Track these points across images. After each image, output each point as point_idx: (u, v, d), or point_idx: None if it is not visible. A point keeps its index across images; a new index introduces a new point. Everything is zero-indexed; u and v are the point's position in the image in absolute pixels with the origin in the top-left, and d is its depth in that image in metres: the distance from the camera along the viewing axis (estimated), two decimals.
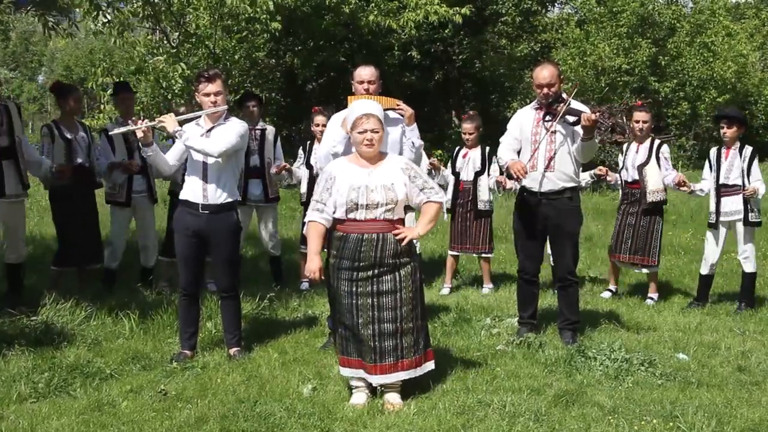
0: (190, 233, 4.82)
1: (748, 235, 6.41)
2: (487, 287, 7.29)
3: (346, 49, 16.65)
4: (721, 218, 6.44)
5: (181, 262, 4.92)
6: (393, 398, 4.06)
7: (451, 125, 19.36)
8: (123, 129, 5.27)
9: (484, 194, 7.15)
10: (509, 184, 6.79)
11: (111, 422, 3.83)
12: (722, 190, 6.41)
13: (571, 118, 5.13)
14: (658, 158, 6.66)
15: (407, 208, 4.23)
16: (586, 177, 7.06)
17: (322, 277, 4.12)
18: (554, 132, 5.21)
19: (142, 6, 8.43)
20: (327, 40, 16.29)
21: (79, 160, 6.34)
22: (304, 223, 4.19)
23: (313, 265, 4.07)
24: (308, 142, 7.22)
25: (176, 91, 10.53)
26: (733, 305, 6.56)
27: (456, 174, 7.26)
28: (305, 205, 6.59)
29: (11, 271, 6.07)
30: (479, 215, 7.16)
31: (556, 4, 22.28)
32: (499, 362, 4.78)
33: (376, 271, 4.03)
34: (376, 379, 4.07)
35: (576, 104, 5.23)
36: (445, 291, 7.23)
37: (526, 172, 5.13)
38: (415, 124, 4.92)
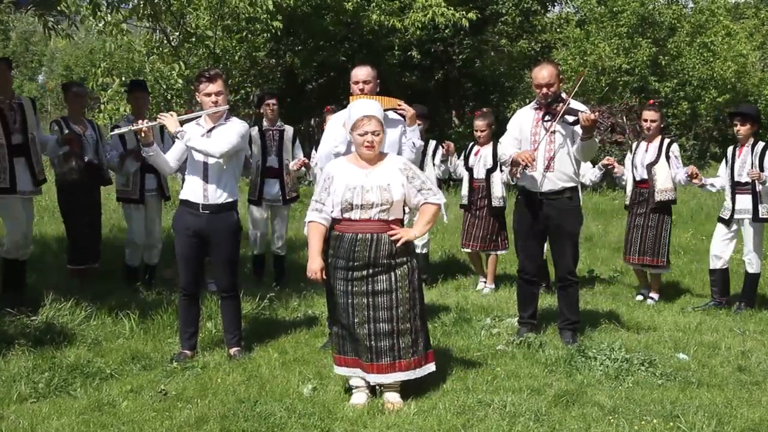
0: (190, 233, 4.82)
1: (757, 234, 6.38)
2: (489, 287, 7.29)
3: (346, 49, 16.63)
4: (735, 215, 6.42)
5: (181, 262, 4.92)
6: (393, 398, 4.06)
7: (451, 125, 19.35)
8: (124, 129, 5.30)
9: (497, 191, 7.15)
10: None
11: (111, 422, 3.83)
12: (737, 188, 6.41)
13: (570, 118, 5.12)
14: (668, 157, 6.65)
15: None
16: (595, 171, 7.05)
17: (324, 277, 4.11)
18: (554, 132, 5.21)
19: (142, 6, 8.42)
20: (327, 39, 16.29)
21: (87, 157, 6.38)
22: (305, 223, 4.19)
23: (314, 265, 4.06)
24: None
25: (176, 91, 10.54)
26: (734, 305, 6.55)
27: (469, 170, 7.27)
28: None
29: (15, 268, 6.05)
30: (493, 212, 7.16)
31: (556, 3, 22.26)
32: (499, 362, 4.78)
33: (370, 270, 4.02)
34: (374, 378, 4.06)
35: (575, 104, 5.23)
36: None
37: (533, 159, 5.12)
38: (416, 125, 4.93)
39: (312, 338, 5.39)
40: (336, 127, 4.67)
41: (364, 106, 4.09)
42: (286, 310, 6.18)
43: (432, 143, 7.42)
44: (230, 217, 4.87)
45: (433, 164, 7.31)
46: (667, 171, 6.64)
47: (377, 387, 4.13)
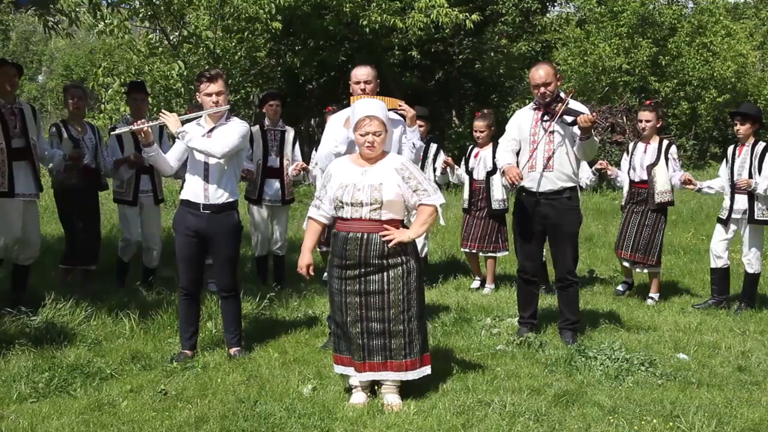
0: (191, 233, 4.82)
1: (755, 235, 6.39)
2: (489, 287, 7.29)
3: (346, 49, 16.64)
4: (733, 215, 6.43)
5: (181, 262, 4.92)
6: (392, 398, 4.05)
7: (451, 125, 19.37)
8: (125, 129, 5.30)
9: (497, 193, 7.14)
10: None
11: (111, 422, 3.83)
12: (736, 187, 6.41)
13: (568, 118, 5.13)
14: (667, 159, 6.66)
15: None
16: (589, 175, 7.06)
17: (311, 274, 4.15)
18: (552, 132, 5.21)
19: (144, 6, 8.44)
20: (327, 39, 16.30)
21: (86, 161, 6.37)
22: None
23: (302, 260, 4.12)
24: None
25: (176, 91, 10.54)
26: (734, 305, 6.56)
27: (469, 173, 7.27)
28: None
29: (20, 272, 6.03)
30: (493, 215, 7.15)
31: (556, 3, 22.26)
32: (499, 362, 4.79)
33: (362, 270, 4.01)
34: (364, 376, 4.06)
35: (575, 104, 5.23)
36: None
37: (521, 179, 5.14)
38: (416, 125, 4.92)
39: (312, 338, 5.39)
40: (336, 127, 4.67)
41: (367, 106, 4.08)
42: (286, 310, 6.19)
43: (433, 146, 7.39)
44: (231, 217, 4.87)
45: (434, 168, 7.30)
46: (666, 173, 6.64)
47: (377, 387, 4.13)
